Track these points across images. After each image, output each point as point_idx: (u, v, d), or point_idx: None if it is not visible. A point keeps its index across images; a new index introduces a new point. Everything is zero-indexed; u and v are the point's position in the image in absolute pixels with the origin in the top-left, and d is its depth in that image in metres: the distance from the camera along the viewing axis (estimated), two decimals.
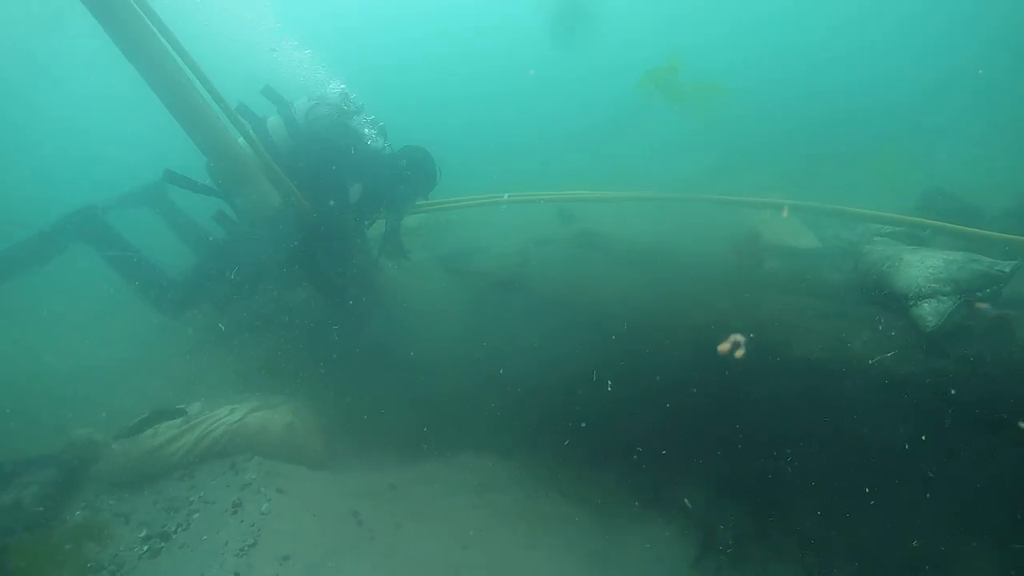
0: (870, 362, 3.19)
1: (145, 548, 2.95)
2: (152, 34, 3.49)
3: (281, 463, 3.54)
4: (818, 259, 5.15)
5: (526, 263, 5.59)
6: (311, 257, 4.49)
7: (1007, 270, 2.98)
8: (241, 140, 4.15)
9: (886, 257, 3.68)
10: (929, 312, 3.05)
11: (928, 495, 3.10)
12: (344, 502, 3.38)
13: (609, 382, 3.99)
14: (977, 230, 3.94)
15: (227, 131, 4.02)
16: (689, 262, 5.14)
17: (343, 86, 4.85)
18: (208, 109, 3.85)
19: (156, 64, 3.55)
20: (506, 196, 5.76)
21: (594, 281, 4.93)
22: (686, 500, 3.86)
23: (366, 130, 4.80)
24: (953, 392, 3.00)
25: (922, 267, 3.22)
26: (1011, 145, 10.65)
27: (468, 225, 6.66)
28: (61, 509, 3.31)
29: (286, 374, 4.48)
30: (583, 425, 4.08)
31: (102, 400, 4.49)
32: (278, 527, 2.97)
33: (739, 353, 3.60)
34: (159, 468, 3.51)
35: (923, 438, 3.00)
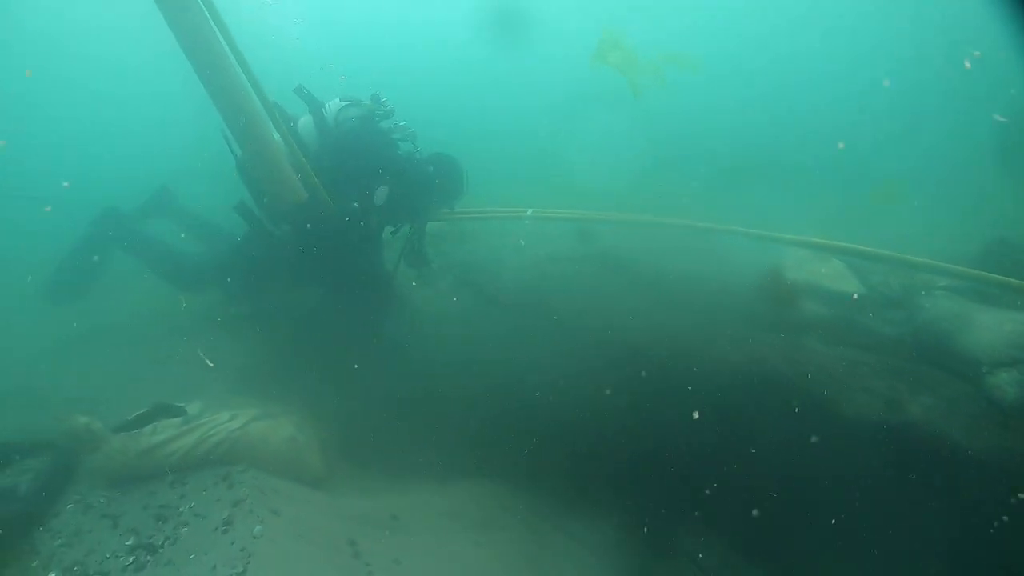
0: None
1: (131, 559, 2.70)
2: (207, 21, 3.55)
3: (277, 479, 3.28)
4: (864, 308, 4.82)
5: (544, 281, 5.33)
6: (331, 256, 4.37)
7: None
8: (276, 135, 4.11)
9: (951, 315, 3.38)
10: (1008, 382, 2.75)
11: None
12: (341, 528, 3.12)
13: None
14: None
15: (266, 123, 4.02)
16: (718, 296, 4.86)
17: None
18: (251, 100, 3.88)
19: (208, 50, 3.61)
20: (529, 212, 5.58)
21: (619, 310, 4.66)
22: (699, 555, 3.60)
23: (396, 134, 4.72)
24: None
25: (999, 331, 2.92)
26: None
27: (479, 236, 6.44)
28: (55, 500, 3.13)
29: (287, 380, 4.25)
30: (599, 465, 3.81)
31: (95, 385, 4.28)
32: (269, 553, 2.71)
33: None
34: (152, 469, 3.27)
35: (992, 526, 2.70)
